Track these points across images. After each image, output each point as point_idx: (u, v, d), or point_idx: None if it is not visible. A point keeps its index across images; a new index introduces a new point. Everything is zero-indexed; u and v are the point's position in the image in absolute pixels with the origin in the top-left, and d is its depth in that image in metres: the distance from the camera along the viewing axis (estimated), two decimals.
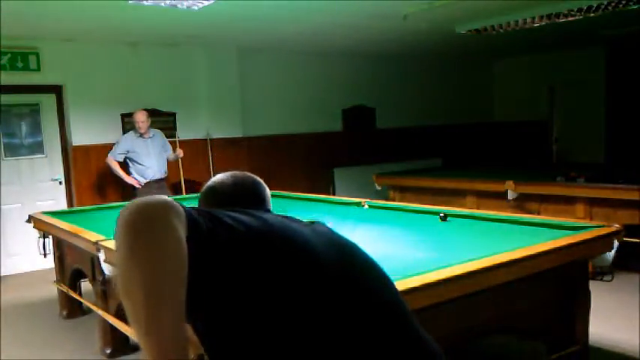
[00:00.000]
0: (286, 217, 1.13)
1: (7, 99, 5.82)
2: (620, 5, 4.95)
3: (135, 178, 5.73)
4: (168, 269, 0.82)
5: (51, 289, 4.69)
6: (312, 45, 7.18)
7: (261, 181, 1.37)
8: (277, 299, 0.95)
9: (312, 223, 1.16)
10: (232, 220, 0.98)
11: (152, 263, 0.81)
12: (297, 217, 1.16)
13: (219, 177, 1.33)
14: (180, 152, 6.01)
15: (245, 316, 0.94)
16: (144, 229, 0.83)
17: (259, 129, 7.41)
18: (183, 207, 0.91)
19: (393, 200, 5.62)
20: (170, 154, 6.00)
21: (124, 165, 5.81)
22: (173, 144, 6.10)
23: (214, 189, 1.32)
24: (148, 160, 5.75)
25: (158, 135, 5.95)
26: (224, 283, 0.93)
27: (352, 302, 1.01)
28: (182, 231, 0.86)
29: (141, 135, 5.74)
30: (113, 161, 5.74)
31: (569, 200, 4.55)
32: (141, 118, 5.71)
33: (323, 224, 1.17)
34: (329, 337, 0.95)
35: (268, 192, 1.35)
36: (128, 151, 5.74)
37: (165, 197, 0.90)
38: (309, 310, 0.96)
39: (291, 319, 0.95)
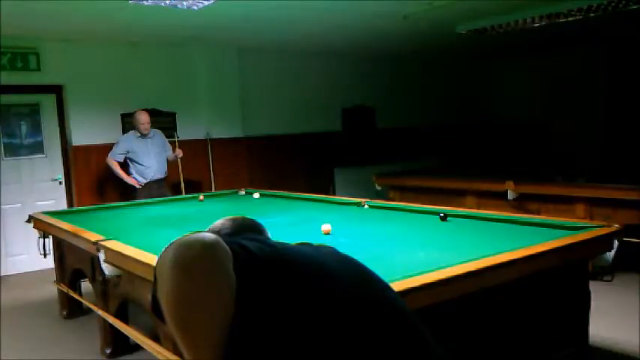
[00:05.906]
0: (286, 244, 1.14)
1: (7, 99, 5.83)
2: (620, 5, 4.95)
3: (135, 178, 5.71)
4: (223, 314, 0.85)
5: (51, 289, 4.69)
6: (312, 45, 7.18)
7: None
8: (299, 321, 0.93)
9: (320, 246, 1.16)
10: (251, 243, 0.98)
11: (206, 307, 0.83)
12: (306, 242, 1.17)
13: (218, 222, 1.33)
14: (179, 152, 6.00)
15: (272, 338, 0.92)
16: (199, 272, 0.84)
17: (259, 129, 7.41)
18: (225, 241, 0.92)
19: (393, 200, 5.61)
20: (170, 154, 6.00)
21: (125, 165, 5.80)
22: (172, 144, 6.08)
23: (216, 232, 1.30)
24: (148, 159, 5.73)
25: (158, 135, 5.93)
26: (253, 308, 0.92)
27: (373, 320, 1.00)
28: (231, 270, 0.87)
29: (141, 135, 5.74)
30: (113, 162, 5.72)
31: (569, 200, 4.54)
32: (145, 119, 5.68)
33: (330, 247, 1.17)
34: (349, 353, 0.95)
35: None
36: (128, 152, 5.72)
37: (212, 235, 0.90)
38: (330, 332, 0.94)
39: (313, 341, 0.93)
